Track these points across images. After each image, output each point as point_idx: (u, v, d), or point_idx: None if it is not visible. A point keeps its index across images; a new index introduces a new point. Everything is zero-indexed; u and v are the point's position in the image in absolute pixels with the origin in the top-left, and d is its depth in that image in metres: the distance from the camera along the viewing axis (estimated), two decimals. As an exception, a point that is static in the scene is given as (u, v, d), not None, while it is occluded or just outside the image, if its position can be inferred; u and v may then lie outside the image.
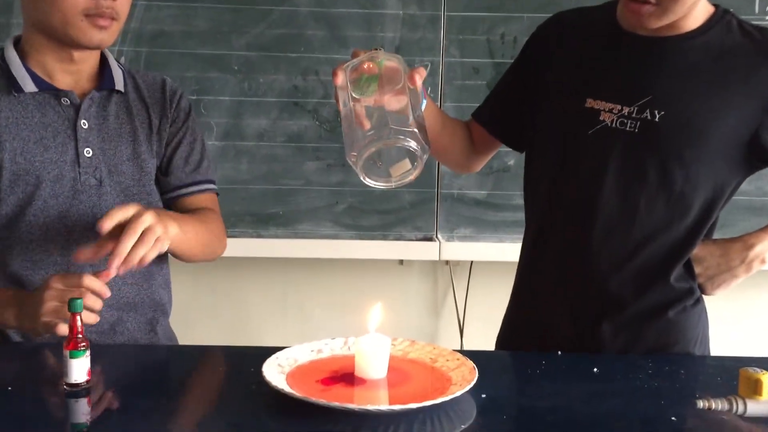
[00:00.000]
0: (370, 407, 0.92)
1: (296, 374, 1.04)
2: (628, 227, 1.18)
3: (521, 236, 1.36)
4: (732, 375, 0.95)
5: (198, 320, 2.17)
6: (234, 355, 1.18)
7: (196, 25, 2.00)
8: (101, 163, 1.29)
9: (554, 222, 1.25)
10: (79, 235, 1.26)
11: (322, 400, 0.92)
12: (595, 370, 1.11)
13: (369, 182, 1.04)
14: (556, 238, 1.25)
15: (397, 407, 0.92)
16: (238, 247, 2.02)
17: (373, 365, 1.02)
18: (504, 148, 2.00)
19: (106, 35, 1.25)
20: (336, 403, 0.92)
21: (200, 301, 2.20)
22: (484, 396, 1.00)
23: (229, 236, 2.03)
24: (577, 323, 1.23)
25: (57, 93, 1.28)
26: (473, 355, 1.07)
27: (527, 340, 1.31)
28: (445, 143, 1.32)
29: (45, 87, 1.27)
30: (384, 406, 0.92)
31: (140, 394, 1.01)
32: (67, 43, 1.25)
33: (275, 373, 1.02)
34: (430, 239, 2.07)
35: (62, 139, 1.27)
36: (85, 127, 1.29)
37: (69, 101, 1.28)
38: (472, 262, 2.18)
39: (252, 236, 2.05)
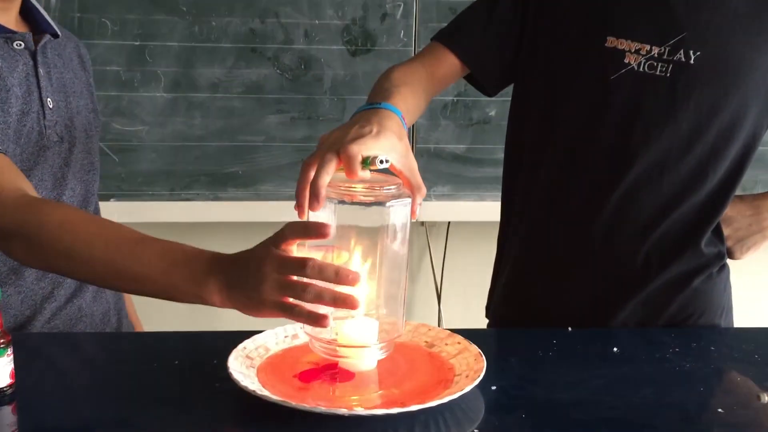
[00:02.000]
0: (362, 411, 0.75)
1: (268, 368, 0.87)
2: (657, 186, 1.03)
3: None
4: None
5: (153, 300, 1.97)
6: (192, 343, 1.00)
7: (137, -41, 1.77)
8: (61, 116, 1.13)
9: (568, 183, 1.08)
10: (43, 196, 1.09)
11: (304, 405, 0.75)
12: (615, 349, 0.96)
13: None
14: (571, 200, 1.08)
15: (395, 411, 0.75)
16: (194, 211, 1.83)
17: (361, 356, 0.85)
18: (484, 98, 1.82)
19: None
20: (322, 409, 0.75)
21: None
22: (494, 388, 0.84)
23: (183, 199, 1.85)
24: (592, 296, 1.08)
25: (10, 35, 1.08)
26: (472, 336, 0.91)
27: (527, 314, 1.16)
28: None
29: (0, 29, 1.08)
30: (380, 410, 0.75)
31: (78, 400, 0.83)
32: None
33: (243, 367, 0.85)
34: (405, 198, 1.90)
35: (27, 88, 1.08)
36: (42, 74, 1.11)
37: (23, 44, 1.09)
38: (449, 222, 2.02)
39: (209, 199, 1.85)
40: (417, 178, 0.87)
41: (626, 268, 1.08)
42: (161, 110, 1.81)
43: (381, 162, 0.83)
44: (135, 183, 1.82)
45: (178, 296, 0.85)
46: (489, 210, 1.87)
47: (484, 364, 0.85)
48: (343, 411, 0.74)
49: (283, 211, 1.87)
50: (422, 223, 2.04)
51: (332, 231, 0.78)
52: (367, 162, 0.82)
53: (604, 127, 1.05)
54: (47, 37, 1.13)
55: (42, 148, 1.10)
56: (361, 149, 0.81)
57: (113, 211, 1.79)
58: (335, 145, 0.82)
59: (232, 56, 1.83)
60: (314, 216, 0.83)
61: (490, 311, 1.27)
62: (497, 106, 1.89)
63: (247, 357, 0.88)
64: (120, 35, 1.77)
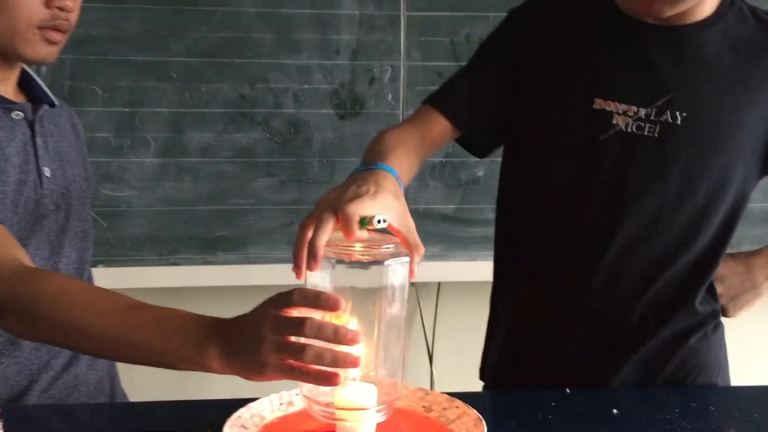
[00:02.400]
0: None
1: (264, 437, 0.85)
2: (649, 245, 1.04)
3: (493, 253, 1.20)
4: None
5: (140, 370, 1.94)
6: (184, 413, 0.98)
7: (128, 28, 1.80)
8: (57, 185, 1.13)
9: (560, 243, 1.09)
10: (40, 265, 1.08)
11: (302, 476, 0.73)
12: (615, 411, 0.95)
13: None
14: (565, 259, 1.09)
15: (396, 479, 0.73)
16: (183, 275, 1.81)
17: (360, 419, 0.83)
18: (473, 158, 1.84)
19: (55, 50, 1.08)
20: (321, 479, 0.73)
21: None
22: (495, 453, 0.83)
23: (172, 264, 1.84)
24: (589, 357, 1.07)
25: (9, 106, 1.09)
26: (470, 399, 0.90)
27: (524, 376, 1.15)
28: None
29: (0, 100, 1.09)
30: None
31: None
32: (7, 55, 1.07)
33: (238, 437, 0.83)
34: (395, 260, 1.90)
35: (24, 158, 1.08)
36: (40, 143, 1.11)
37: (22, 114, 1.10)
38: (440, 283, 2.02)
39: (198, 263, 1.84)
40: (415, 237, 0.87)
41: (622, 327, 1.07)
42: (150, 175, 1.82)
43: (379, 222, 0.82)
44: (123, 248, 1.80)
45: (176, 363, 0.83)
46: (480, 270, 1.87)
47: (484, 429, 0.83)
48: (344, 481, 0.72)
49: (273, 275, 1.86)
50: (413, 284, 2.02)
51: (343, 305, 0.77)
52: (364, 222, 0.82)
53: (595, 187, 1.06)
54: (45, 107, 1.14)
55: (39, 217, 1.09)
56: (359, 209, 0.81)
57: (102, 277, 1.76)
58: (333, 205, 0.82)
59: (222, 121, 1.84)
60: (312, 276, 0.83)
61: (485, 374, 1.25)
62: (485, 166, 1.90)
63: (242, 426, 0.86)
64: (110, 102, 1.79)
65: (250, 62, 1.83)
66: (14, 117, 1.09)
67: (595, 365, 1.09)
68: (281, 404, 0.93)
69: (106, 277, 1.76)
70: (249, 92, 1.84)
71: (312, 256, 0.79)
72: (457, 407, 0.90)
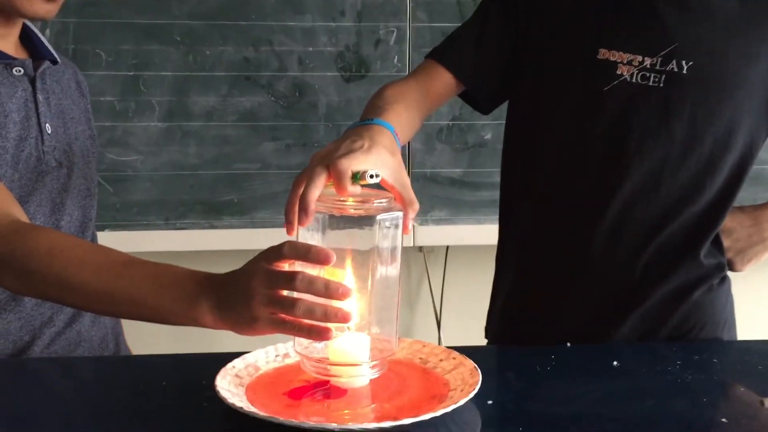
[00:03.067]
0: (353, 426, 0.73)
1: (258, 386, 0.84)
2: (654, 197, 1.02)
3: None
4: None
5: (146, 327, 1.95)
6: (181, 365, 0.98)
7: (131, -10, 1.78)
8: (60, 141, 1.13)
9: (563, 198, 1.07)
10: (41, 222, 1.08)
11: (292, 421, 0.72)
12: (615, 363, 0.93)
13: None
14: (567, 214, 1.07)
15: (387, 425, 0.72)
16: (189, 239, 1.81)
17: (353, 374, 0.83)
18: (481, 121, 1.81)
19: (54, 7, 1.07)
20: (310, 423, 0.72)
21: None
22: (490, 402, 0.82)
23: (178, 228, 1.83)
24: (591, 311, 1.06)
25: (10, 61, 1.08)
26: (469, 353, 0.89)
27: (526, 332, 1.14)
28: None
29: (1, 56, 1.08)
30: (371, 425, 0.73)
31: (60, 425, 0.80)
32: (6, 11, 1.06)
33: (232, 385, 0.83)
34: (402, 224, 1.88)
35: (25, 114, 1.08)
36: (41, 99, 1.11)
37: (23, 71, 1.09)
38: (447, 247, 2.00)
39: (204, 227, 1.84)
40: (410, 194, 0.85)
41: (625, 281, 1.06)
42: (155, 140, 1.81)
43: (371, 176, 0.81)
44: (130, 213, 1.80)
45: (170, 319, 0.83)
46: (487, 233, 1.84)
47: (479, 378, 0.82)
48: (334, 426, 0.72)
49: (279, 239, 1.85)
50: (420, 249, 2.02)
51: (333, 259, 0.76)
52: (357, 177, 0.81)
53: (598, 138, 1.04)
54: (46, 63, 1.13)
55: (40, 174, 1.09)
56: (351, 164, 0.80)
57: (108, 241, 1.76)
58: (325, 160, 0.81)
59: (227, 85, 1.83)
60: (303, 232, 0.82)
61: (489, 332, 1.24)
62: (492, 129, 1.88)
63: (236, 376, 0.86)
64: (114, 66, 1.78)
65: (254, 24, 1.82)
66: (15, 73, 1.08)
67: (596, 320, 1.07)
68: (277, 356, 0.92)
69: (112, 242, 1.75)
70: (253, 55, 1.82)
71: (303, 210, 0.78)
72: (454, 358, 0.89)
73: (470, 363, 0.87)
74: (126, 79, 1.78)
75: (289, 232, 0.83)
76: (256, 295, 0.77)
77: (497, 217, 1.21)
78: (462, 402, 0.77)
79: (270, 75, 1.84)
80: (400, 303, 0.86)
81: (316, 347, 0.84)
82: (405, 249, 2.03)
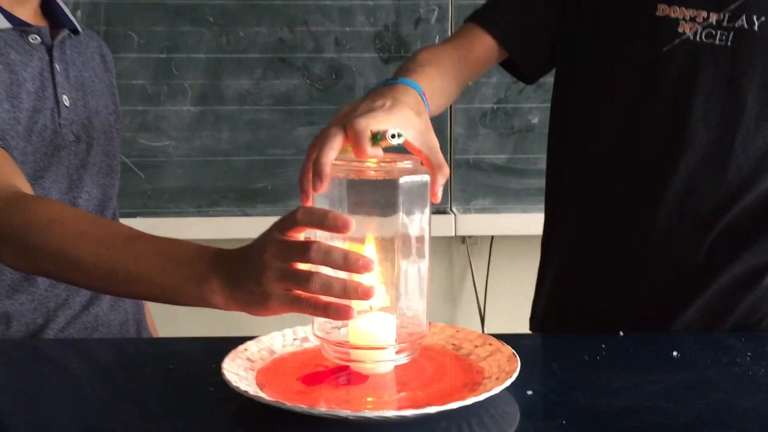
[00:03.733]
0: (370, 414, 0.64)
1: (271, 371, 0.76)
2: (721, 171, 0.91)
3: None
4: None
5: (180, 314, 1.89)
6: (193, 347, 0.90)
7: (163, -30, 1.73)
8: (78, 115, 1.07)
9: (618, 174, 0.97)
10: (57, 199, 1.02)
11: (300, 406, 0.64)
12: (675, 354, 0.82)
13: None
14: (622, 192, 0.97)
15: (408, 413, 0.63)
16: (222, 227, 1.75)
17: (376, 358, 0.74)
18: (527, 104, 1.71)
19: None
20: (320, 410, 0.63)
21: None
22: (530, 393, 0.72)
23: (210, 215, 1.78)
24: (648, 298, 0.95)
25: (25, 28, 1.03)
26: (509, 340, 0.79)
27: (574, 321, 1.03)
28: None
29: (16, 22, 1.02)
30: (390, 412, 0.63)
31: (56, 407, 0.73)
32: None
33: (241, 369, 0.75)
34: (443, 212, 1.78)
35: (41, 84, 1.02)
36: (59, 70, 1.05)
37: (39, 38, 1.03)
38: (492, 237, 1.90)
39: (236, 215, 1.77)
40: (438, 156, 0.76)
41: (686, 266, 0.95)
42: (188, 124, 1.76)
43: (393, 137, 0.72)
44: (161, 200, 1.75)
45: (177, 298, 0.75)
46: (534, 223, 1.73)
47: (517, 365, 0.73)
48: (346, 413, 0.63)
49: (314, 227, 1.78)
50: (463, 240, 1.92)
51: (353, 226, 0.68)
52: (377, 138, 0.72)
53: (658, 105, 0.93)
54: (65, 32, 1.07)
55: (56, 148, 1.03)
56: (371, 123, 0.71)
57: (139, 228, 1.72)
58: (342, 120, 0.73)
59: (261, 67, 1.77)
60: (319, 199, 0.73)
61: (533, 322, 1.14)
62: (540, 113, 1.77)
63: (248, 359, 0.78)
64: (146, 48, 1.73)
65: (289, 4, 1.75)
66: (31, 41, 1.02)
67: (654, 309, 0.96)
68: (295, 339, 0.84)
69: (143, 229, 1.71)
70: (288, 36, 1.76)
71: (317, 174, 0.70)
72: (490, 344, 0.80)
73: (508, 349, 0.77)
74: (158, 61, 1.73)
75: (303, 201, 0.74)
76: (268, 269, 0.69)
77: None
78: (496, 391, 0.67)
79: (305, 56, 1.76)
80: (430, 285, 0.77)
81: (338, 330, 0.76)
82: (447, 241, 1.94)
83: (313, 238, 0.71)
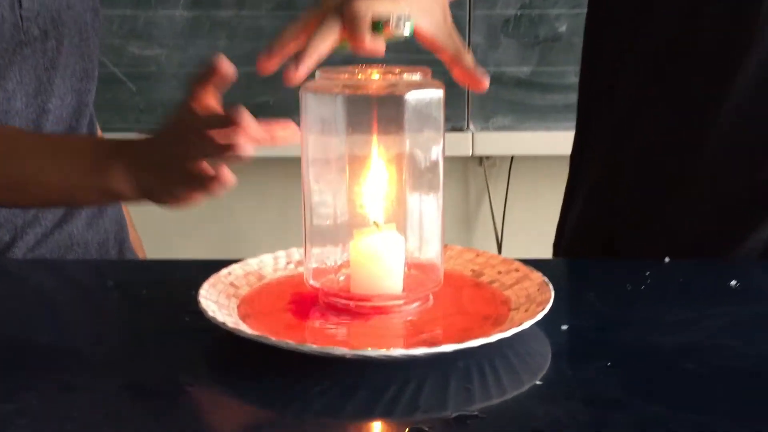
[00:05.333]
0: (372, 352, 0.52)
1: (256, 298, 0.65)
2: None
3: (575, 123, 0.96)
4: None
5: (177, 237, 1.79)
6: (174, 271, 0.79)
7: None
8: (46, 8, 0.93)
9: (668, 80, 0.83)
10: (23, 103, 0.91)
11: (287, 342, 0.52)
12: (734, 283, 0.70)
13: None
14: (672, 101, 0.83)
15: (418, 351, 0.52)
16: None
17: (379, 277, 0.62)
18: (554, 9, 1.56)
19: None
20: (311, 346, 0.52)
21: (180, 217, 1.81)
22: (564, 328, 0.60)
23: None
24: (698, 228, 0.83)
25: None
26: (535, 266, 0.67)
27: (608, 249, 0.91)
28: None
29: None
30: (397, 351, 0.52)
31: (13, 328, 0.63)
32: None
33: (222, 296, 0.63)
34: (459, 130, 1.64)
35: None
36: None
37: None
38: (512, 157, 1.76)
39: (236, 131, 1.64)
40: (456, 44, 0.64)
41: (745, 190, 0.81)
42: (181, 31, 1.61)
43: (400, 22, 0.60)
44: (155, 114, 1.62)
45: (82, 196, 0.73)
46: (559, 142, 1.60)
47: (550, 294, 0.61)
48: (343, 351, 0.51)
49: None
50: (480, 161, 1.79)
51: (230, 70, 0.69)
52: (379, 26, 0.60)
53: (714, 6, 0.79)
54: None
55: (19, 44, 0.90)
56: (372, 5, 0.59)
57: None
58: (338, 4, 0.61)
59: (261, -33, 1.60)
60: (312, 119, 0.62)
61: (559, 249, 1.02)
62: (568, 20, 1.61)
63: (231, 284, 0.66)
64: (134, -56, 1.57)
65: None
66: None
67: (705, 241, 0.83)
68: (289, 263, 0.72)
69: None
70: (291, -70, 1.59)
71: (301, 60, 0.61)
72: (516, 270, 0.68)
73: (538, 276, 0.65)
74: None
75: (264, 69, 0.69)
76: (184, 142, 0.65)
77: (571, 123, 0.99)
78: (526, 325, 0.56)
79: (310, -44, 1.60)
80: (444, 221, 0.65)
81: (335, 277, 0.64)
82: (463, 161, 1.80)
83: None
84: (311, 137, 0.64)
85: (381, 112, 0.61)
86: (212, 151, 0.64)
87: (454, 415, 0.47)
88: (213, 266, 0.68)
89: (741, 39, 0.78)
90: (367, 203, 0.64)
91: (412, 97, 0.60)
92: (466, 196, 1.82)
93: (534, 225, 1.80)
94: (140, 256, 1.16)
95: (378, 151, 0.63)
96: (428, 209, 0.65)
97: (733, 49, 0.79)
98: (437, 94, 0.62)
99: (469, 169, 1.80)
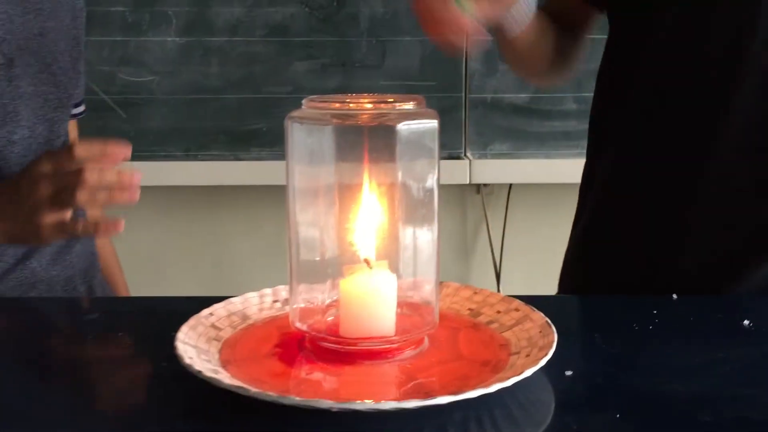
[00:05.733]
0: (359, 406, 0.48)
1: (239, 342, 0.61)
2: None
3: (575, 150, 0.93)
4: None
5: (170, 268, 1.75)
6: (155, 310, 0.74)
7: None
8: (12, 34, 0.90)
9: (673, 99, 0.80)
10: None
11: (268, 393, 0.48)
12: (747, 323, 0.66)
13: None
14: (677, 120, 0.80)
15: (411, 404, 0.47)
16: (212, 172, 1.60)
17: (370, 319, 0.58)
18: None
19: None
20: (293, 398, 0.48)
21: (171, 244, 1.77)
22: (569, 374, 0.56)
23: (199, 159, 1.61)
24: (709, 254, 0.79)
25: None
26: (538, 304, 0.63)
27: (617, 280, 0.87)
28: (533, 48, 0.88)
29: None
30: (387, 404, 0.48)
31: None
32: None
33: (202, 339, 0.59)
34: (456, 158, 1.61)
35: None
36: None
37: None
38: (510, 185, 1.73)
39: (228, 159, 1.61)
40: None
41: (756, 213, 0.78)
42: (173, 57, 1.58)
43: None
44: (145, 142, 1.58)
45: None
46: (558, 170, 1.57)
47: (554, 337, 0.57)
48: (329, 404, 0.47)
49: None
50: (478, 189, 1.75)
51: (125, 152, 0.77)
52: None
53: (714, 25, 0.76)
54: None
55: None
56: None
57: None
58: None
59: (254, -7, 1.58)
60: (300, 149, 0.59)
61: (563, 284, 0.98)
62: (566, 46, 1.58)
63: (213, 326, 0.62)
64: (125, -30, 1.54)
65: None
66: None
67: (716, 268, 0.80)
68: (275, 302, 0.68)
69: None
70: (284, -43, 1.56)
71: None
72: (516, 310, 0.64)
73: (539, 317, 0.61)
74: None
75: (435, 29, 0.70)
76: (38, 192, 0.75)
77: (570, 151, 0.98)
78: (528, 373, 0.51)
79: (304, -19, 1.57)
80: (439, 257, 0.61)
81: (323, 318, 0.60)
82: (460, 189, 1.76)
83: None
84: (297, 168, 0.61)
85: (372, 144, 0.58)
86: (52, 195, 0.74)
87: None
88: (198, 303, 0.64)
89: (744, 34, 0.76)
90: (358, 239, 0.60)
91: (404, 127, 0.57)
92: (464, 224, 1.78)
93: (533, 254, 1.76)
94: (122, 290, 1.11)
95: (369, 184, 0.59)
96: (423, 245, 0.61)
97: (735, 57, 0.76)
98: (431, 124, 0.58)
99: (467, 197, 1.76)
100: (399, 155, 0.57)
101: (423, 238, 0.60)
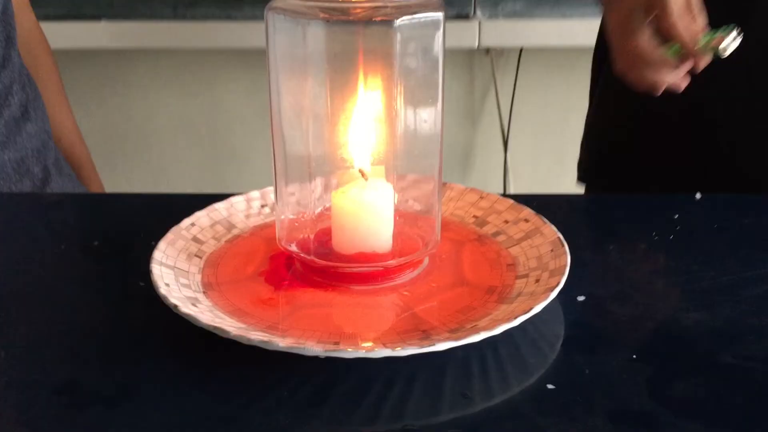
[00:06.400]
0: (348, 354, 0.43)
1: (224, 259, 0.56)
2: None
3: (595, 9, 0.82)
4: None
5: (159, 138, 1.69)
6: (136, 213, 0.69)
7: None
8: None
9: None
10: None
11: (247, 338, 0.43)
12: (778, 232, 0.60)
13: None
14: None
15: (406, 351, 0.43)
16: (202, 34, 1.49)
17: (365, 236, 0.53)
18: None
19: None
20: (277, 344, 0.43)
21: (161, 111, 1.70)
22: (581, 299, 0.51)
23: (188, 19, 1.50)
24: (742, 146, 0.72)
25: None
26: (549, 206, 0.58)
27: (650, 174, 0.81)
28: None
29: None
30: (381, 352, 0.43)
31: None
32: None
33: (182, 258, 0.54)
34: (464, 17, 1.49)
35: None
36: None
37: None
38: (522, 49, 1.62)
39: (220, 19, 1.49)
40: None
41: None
42: None
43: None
44: None
45: None
46: (574, 32, 1.46)
47: (566, 260, 0.52)
48: (315, 351, 0.42)
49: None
50: (487, 52, 1.64)
51: None
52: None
53: None
54: None
55: None
56: None
57: (104, 34, 1.47)
58: None
59: None
60: (282, 51, 0.51)
61: (582, 168, 0.92)
62: None
63: (195, 240, 0.57)
64: None
65: None
66: None
67: (744, 161, 0.73)
68: (263, 206, 0.63)
69: (109, 34, 1.46)
70: None
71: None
72: (526, 221, 0.58)
73: (551, 231, 0.56)
74: None
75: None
76: None
77: (588, 9, 0.87)
78: (537, 309, 0.47)
79: None
80: (444, 138, 0.55)
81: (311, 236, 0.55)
82: (468, 53, 1.65)
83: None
84: (280, 68, 0.53)
85: (366, 42, 0.50)
86: None
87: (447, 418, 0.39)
88: (180, 203, 0.59)
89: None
90: (352, 148, 0.53)
91: (402, 20, 0.49)
92: (471, 89, 1.68)
93: (542, 120, 1.68)
94: (90, 177, 1.03)
95: (363, 86, 0.52)
96: (424, 141, 0.54)
97: None
98: (435, 16, 0.50)
99: (475, 61, 1.65)
100: (398, 54, 0.50)
101: (424, 134, 0.54)
